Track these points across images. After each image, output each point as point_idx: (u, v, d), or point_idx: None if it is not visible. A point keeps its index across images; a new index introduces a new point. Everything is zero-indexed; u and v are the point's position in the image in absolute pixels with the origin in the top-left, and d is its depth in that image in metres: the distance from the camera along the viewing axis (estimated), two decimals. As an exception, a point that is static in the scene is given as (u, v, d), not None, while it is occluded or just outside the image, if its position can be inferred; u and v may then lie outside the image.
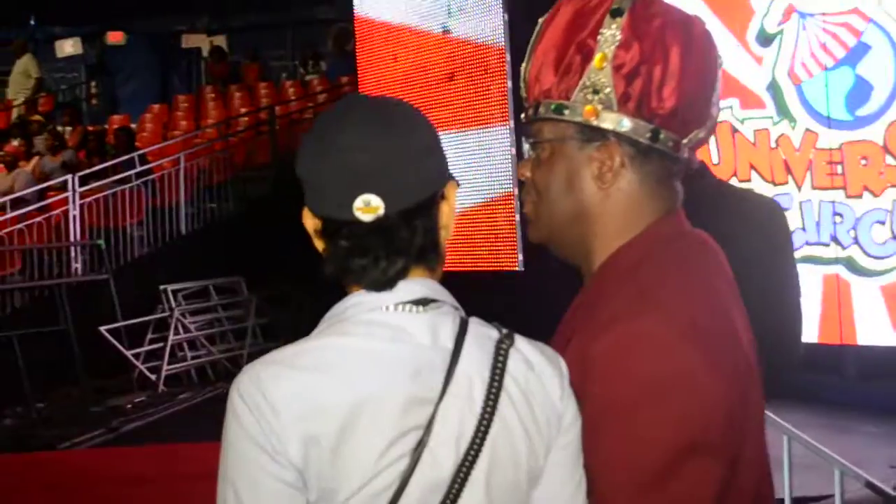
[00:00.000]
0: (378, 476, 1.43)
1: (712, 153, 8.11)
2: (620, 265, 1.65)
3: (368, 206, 1.47)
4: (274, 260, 10.71)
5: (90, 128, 16.22)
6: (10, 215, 11.68)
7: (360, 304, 1.50)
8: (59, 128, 15.50)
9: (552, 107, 1.67)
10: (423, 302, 1.51)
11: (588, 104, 1.64)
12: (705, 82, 1.67)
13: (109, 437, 8.95)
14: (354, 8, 10.34)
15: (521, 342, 1.53)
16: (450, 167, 1.58)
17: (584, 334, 1.57)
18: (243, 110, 15.98)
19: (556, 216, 1.70)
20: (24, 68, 17.39)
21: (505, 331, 1.53)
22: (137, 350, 10.84)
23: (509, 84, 8.76)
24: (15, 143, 14.45)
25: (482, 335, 1.52)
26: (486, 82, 9.06)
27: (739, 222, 2.84)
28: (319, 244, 1.54)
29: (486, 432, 1.46)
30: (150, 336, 11.04)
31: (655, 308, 1.54)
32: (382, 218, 1.48)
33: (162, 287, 11.23)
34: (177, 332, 11.06)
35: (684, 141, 1.68)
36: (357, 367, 1.45)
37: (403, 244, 1.50)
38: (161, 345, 10.93)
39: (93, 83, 19.71)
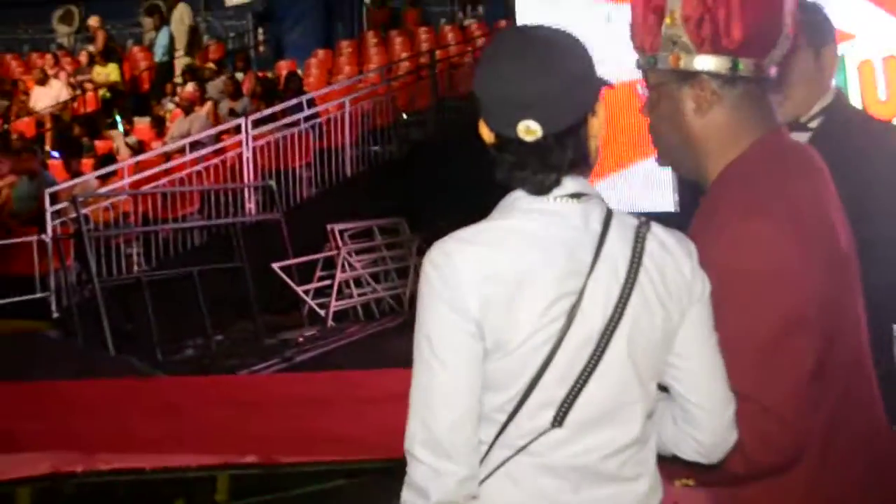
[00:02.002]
0: (540, 331, 1.78)
1: (879, 89, 8.01)
2: (731, 178, 2.03)
3: (529, 130, 1.81)
4: (434, 201, 11.08)
5: (258, 74, 16.82)
6: (188, 157, 12.32)
7: (524, 198, 1.86)
8: (230, 73, 16.14)
9: (649, 60, 2.08)
10: (576, 195, 1.85)
11: (671, 53, 2.03)
12: (768, 11, 2.00)
13: (283, 366, 9.50)
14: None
15: (656, 228, 1.88)
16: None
17: (704, 236, 1.93)
18: (404, 55, 16.35)
19: (671, 145, 2.10)
20: (180, 16, 18.10)
21: (644, 219, 1.88)
22: (307, 287, 11.38)
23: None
24: (190, 88, 15.13)
25: (625, 222, 1.87)
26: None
27: (879, 148, 3.03)
28: (493, 151, 1.89)
29: (627, 299, 1.82)
30: (318, 273, 11.57)
31: (759, 212, 1.92)
32: (540, 139, 1.81)
33: (329, 226, 11.74)
34: (343, 270, 11.57)
35: (765, 62, 2.03)
36: (523, 244, 1.81)
37: (557, 161, 1.84)
38: (329, 282, 11.46)
39: (260, 30, 20.30)
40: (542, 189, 1.85)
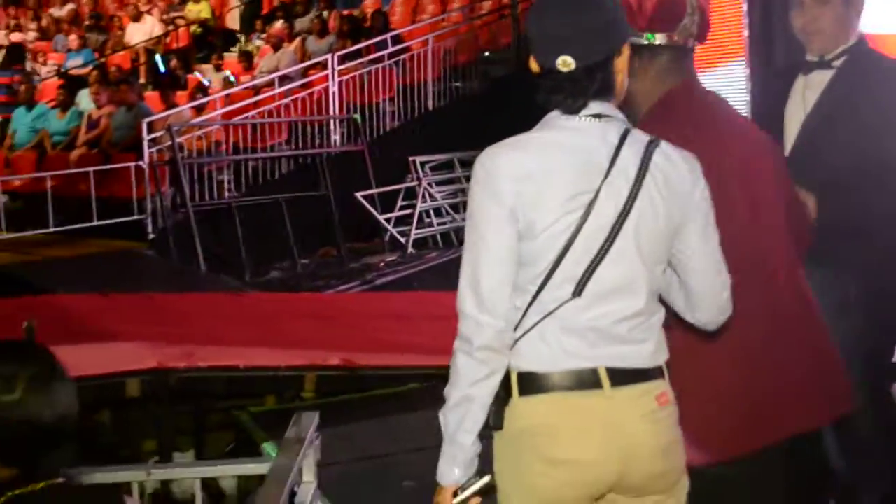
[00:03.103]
0: (562, 219, 2.30)
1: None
2: (651, 113, 2.80)
3: (565, 62, 2.34)
4: (512, 134, 11.43)
5: (344, 11, 17.19)
6: (276, 91, 12.79)
7: (557, 116, 2.40)
8: (316, 11, 16.54)
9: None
10: (599, 116, 2.37)
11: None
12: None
13: (365, 287, 10.00)
14: None
15: (665, 145, 2.39)
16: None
17: None
18: (487, -6, 16.58)
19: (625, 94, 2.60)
20: None
21: (655, 137, 2.40)
22: (389, 215, 11.85)
23: (745, 20, 8.97)
24: (279, 24, 15.58)
25: (638, 138, 2.39)
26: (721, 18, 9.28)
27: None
28: (537, 79, 2.42)
29: (635, 198, 2.33)
30: (400, 203, 12.03)
31: (669, 131, 2.50)
32: (573, 70, 2.34)
33: (411, 158, 12.18)
34: (424, 200, 12.02)
35: (675, 34, 2.81)
36: (550, 150, 2.35)
37: (585, 88, 2.36)
38: (410, 211, 11.92)
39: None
40: (572, 110, 2.36)
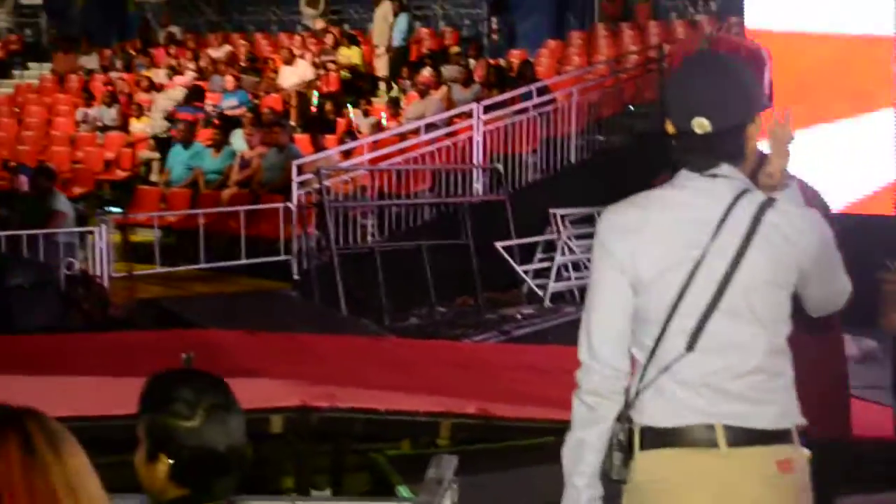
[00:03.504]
0: (671, 272, 2.40)
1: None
2: None
3: (701, 125, 2.44)
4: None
5: (490, 61, 17.45)
6: (422, 138, 13.05)
7: (684, 174, 2.51)
8: (463, 61, 16.84)
9: None
10: (722, 176, 2.46)
11: None
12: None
13: (501, 339, 10.09)
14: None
15: (781, 203, 2.46)
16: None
17: None
18: (633, 48, 16.66)
19: None
20: (384, 13, 18.90)
21: (771, 197, 2.48)
22: (527, 267, 11.94)
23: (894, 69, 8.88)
24: (426, 72, 15.90)
25: (754, 198, 2.46)
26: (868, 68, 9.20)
27: None
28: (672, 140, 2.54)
29: (743, 254, 2.40)
30: (539, 255, 12.11)
31: None
32: (708, 133, 2.44)
33: (552, 211, 12.26)
34: (563, 254, 12.08)
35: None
36: (667, 206, 2.47)
37: (717, 150, 2.47)
38: (548, 264, 11.98)
39: (493, 19, 20.90)
40: (699, 169, 2.47)
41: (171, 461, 2.32)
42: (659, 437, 2.40)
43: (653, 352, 2.42)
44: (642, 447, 2.42)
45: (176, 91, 16.21)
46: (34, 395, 6.37)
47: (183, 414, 2.33)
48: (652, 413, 2.42)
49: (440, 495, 2.92)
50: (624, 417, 2.45)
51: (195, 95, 16.86)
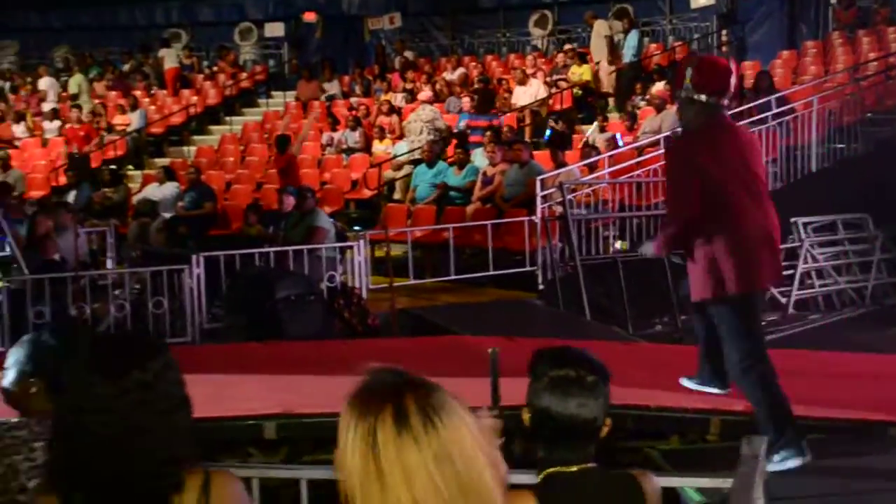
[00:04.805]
0: None
1: None
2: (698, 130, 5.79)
3: None
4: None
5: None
6: (660, 151, 13.21)
7: None
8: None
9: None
10: None
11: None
12: (724, 83, 5.74)
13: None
14: None
15: None
16: None
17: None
18: (872, 55, 16.36)
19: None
20: (601, 30, 19.13)
21: None
22: (771, 275, 11.91)
23: None
24: (660, 86, 16.07)
25: None
26: None
27: None
28: None
29: None
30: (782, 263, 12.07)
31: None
32: None
33: (793, 219, 12.23)
34: (806, 262, 12.03)
35: (724, 101, 5.80)
36: None
37: None
38: (791, 272, 11.95)
39: (723, 31, 20.88)
40: None
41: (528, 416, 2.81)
42: None
43: None
44: None
45: (425, 111, 16.89)
46: (307, 394, 6.95)
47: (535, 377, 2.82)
48: None
49: (757, 470, 3.17)
50: None
51: (487, 100, 17.61)
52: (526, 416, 2.83)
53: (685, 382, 6.46)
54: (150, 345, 2.50)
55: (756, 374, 5.66)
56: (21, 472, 3.16)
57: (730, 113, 13.82)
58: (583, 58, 19.10)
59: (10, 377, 3.35)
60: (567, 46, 20.25)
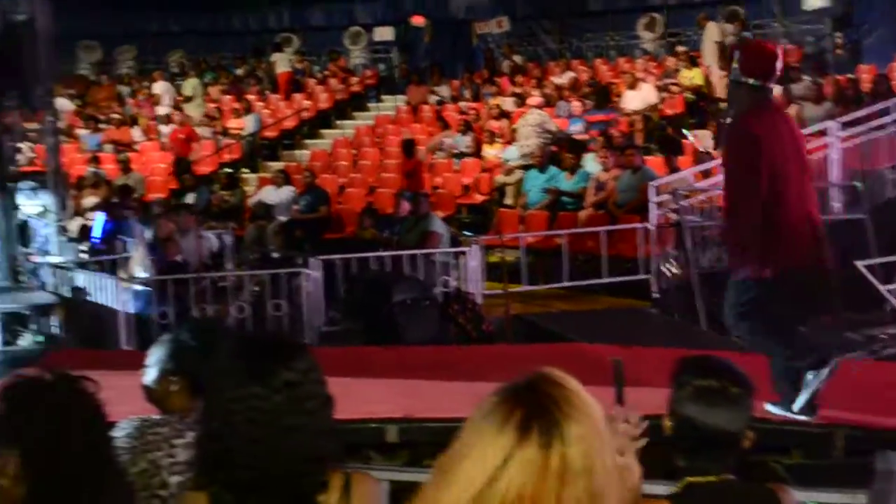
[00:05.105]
0: None
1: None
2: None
3: None
4: None
5: (836, 77, 17.17)
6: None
7: None
8: (810, 78, 16.67)
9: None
10: None
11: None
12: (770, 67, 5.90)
13: (871, 358, 9.97)
14: None
15: None
16: None
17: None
18: None
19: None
20: (712, 34, 18.89)
21: None
22: (891, 287, 11.69)
23: None
24: (777, 89, 15.86)
25: None
26: None
27: None
28: None
29: None
30: (902, 273, 11.83)
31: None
32: None
33: (914, 225, 11.97)
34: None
35: (770, 84, 6.00)
36: None
37: None
38: (916, 279, 11.69)
39: (837, 34, 20.51)
40: None
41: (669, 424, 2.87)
42: None
43: None
44: None
45: (533, 115, 16.94)
46: (427, 398, 7.05)
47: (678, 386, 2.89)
48: None
49: (893, 486, 3.18)
50: None
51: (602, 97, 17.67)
52: (667, 424, 2.87)
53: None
54: (294, 345, 2.56)
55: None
56: (163, 469, 3.25)
57: (846, 119, 13.90)
58: (694, 61, 18.96)
59: (151, 375, 3.47)
60: (680, 48, 20.09)
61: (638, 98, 18.04)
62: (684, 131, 16.00)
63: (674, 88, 18.31)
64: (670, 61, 19.63)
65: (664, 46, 22.28)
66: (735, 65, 6.00)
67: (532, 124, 16.58)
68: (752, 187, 5.81)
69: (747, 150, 5.85)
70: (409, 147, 16.15)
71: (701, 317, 11.07)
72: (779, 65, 5.98)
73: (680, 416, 2.83)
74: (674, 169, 13.47)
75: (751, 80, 5.86)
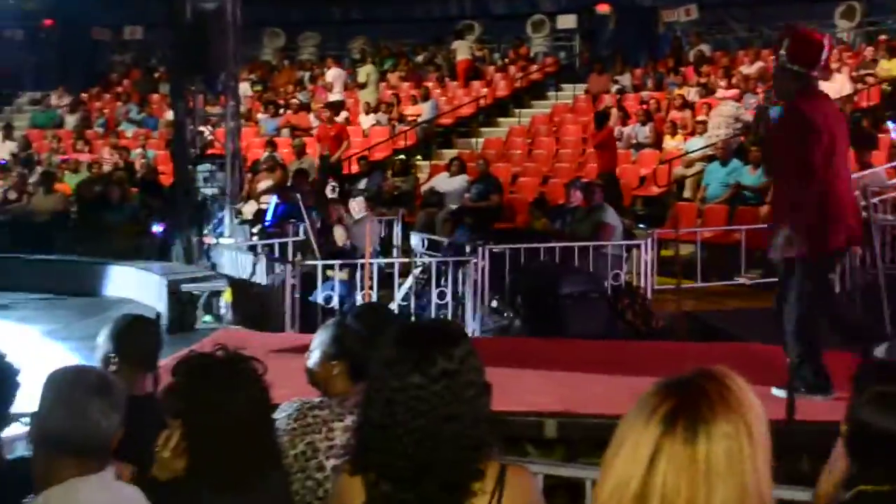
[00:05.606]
0: None
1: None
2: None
3: None
4: None
5: None
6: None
7: None
8: None
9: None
10: None
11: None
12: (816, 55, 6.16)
13: None
14: None
15: None
16: None
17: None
18: None
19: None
20: None
21: None
22: None
23: None
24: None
25: None
26: None
27: None
28: None
29: None
30: None
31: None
32: None
33: None
34: None
35: (814, 73, 6.19)
36: None
37: None
38: None
39: None
40: None
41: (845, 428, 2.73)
42: None
43: None
44: None
45: (727, 107, 16.36)
46: (589, 394, 6.76)
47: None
48: None
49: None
50: None
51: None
52: (843, 428, 2.74)
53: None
54: (453, 332, 2.56)
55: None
56: (320, 451, 3.31)
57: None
58: (893, 52, 17.93)
59: (314, 358, 3.54)
60: (882, 37, 19.04)
61: (831, 89, 17.07)
62: (889, 124, 15.14)
63: (869, 79, 17.36)
64: (868, 51, 18.62)
65: (861, 35, 21.20)
66: (782, 51, 6.16)
67: (726, 115, 16.00)
68: (810, 171, 5.97)
69: (803, 134, 5.99)
70: (600, 119, 15.95)
71: (886, 319, 10.40)
72: (824, 54, 6.23)
73: (857, 420, 2.68)
74: (866, 164, 12.70)
75: (795, 67, 6.07)
